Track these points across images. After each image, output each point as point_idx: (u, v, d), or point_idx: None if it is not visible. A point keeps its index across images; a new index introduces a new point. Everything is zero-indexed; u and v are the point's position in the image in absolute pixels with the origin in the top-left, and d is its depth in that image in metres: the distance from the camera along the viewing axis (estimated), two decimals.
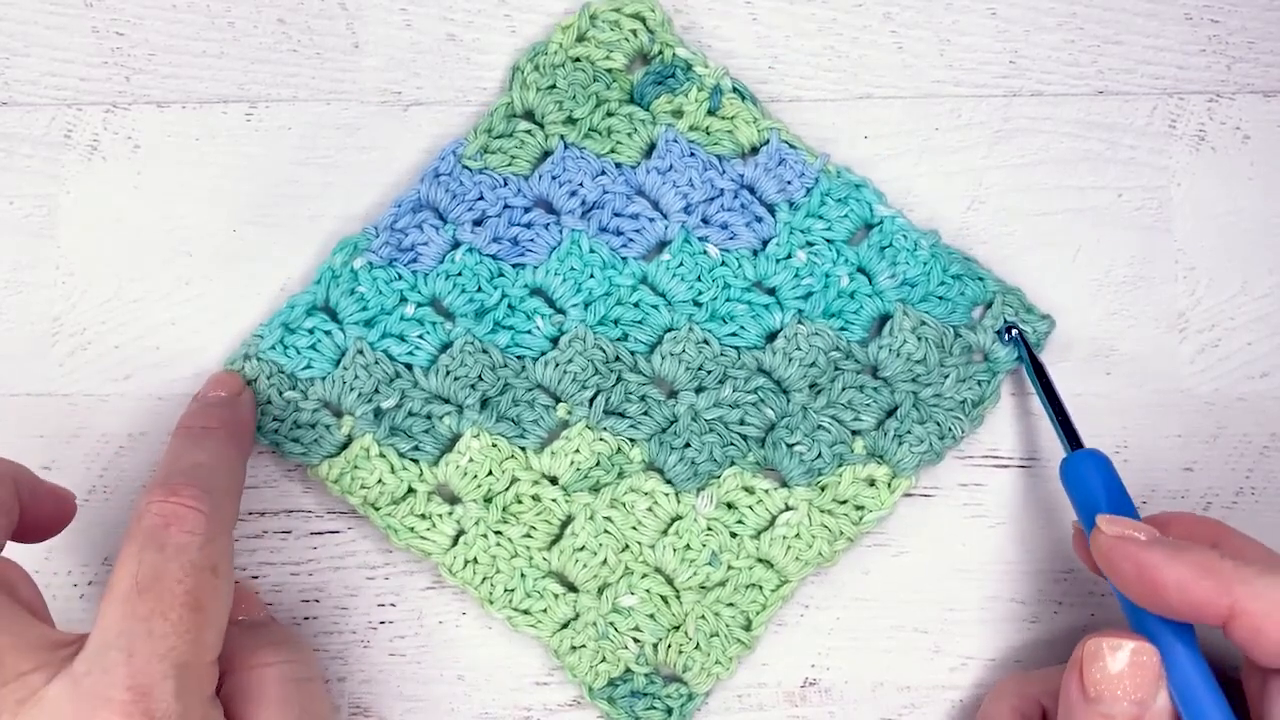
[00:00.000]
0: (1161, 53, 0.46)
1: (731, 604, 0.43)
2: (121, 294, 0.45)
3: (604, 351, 0.44)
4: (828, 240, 0.44)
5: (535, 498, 0.43)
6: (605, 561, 0.43)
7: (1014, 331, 0.44)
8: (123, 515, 0.44)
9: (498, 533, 0.43)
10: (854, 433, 0.44)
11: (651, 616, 0.43)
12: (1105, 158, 0.46)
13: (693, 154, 0.44)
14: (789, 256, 0.44)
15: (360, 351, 0.43)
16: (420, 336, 0.44)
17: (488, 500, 0.43)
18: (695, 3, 0.46)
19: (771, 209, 0.44)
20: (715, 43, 0.46)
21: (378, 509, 0.43)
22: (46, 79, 0.46)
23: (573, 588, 0.43)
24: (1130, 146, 0.46)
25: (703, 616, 0.43)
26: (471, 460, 0.43)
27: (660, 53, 0.45)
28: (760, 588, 0.43)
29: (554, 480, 0.44)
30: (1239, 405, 0.45)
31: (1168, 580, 0.34)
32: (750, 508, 0.43)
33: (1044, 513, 0.44)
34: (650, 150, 0.45)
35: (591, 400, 0.43)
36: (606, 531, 0.43)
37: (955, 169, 0.46)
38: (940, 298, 0.44)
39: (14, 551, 0.44)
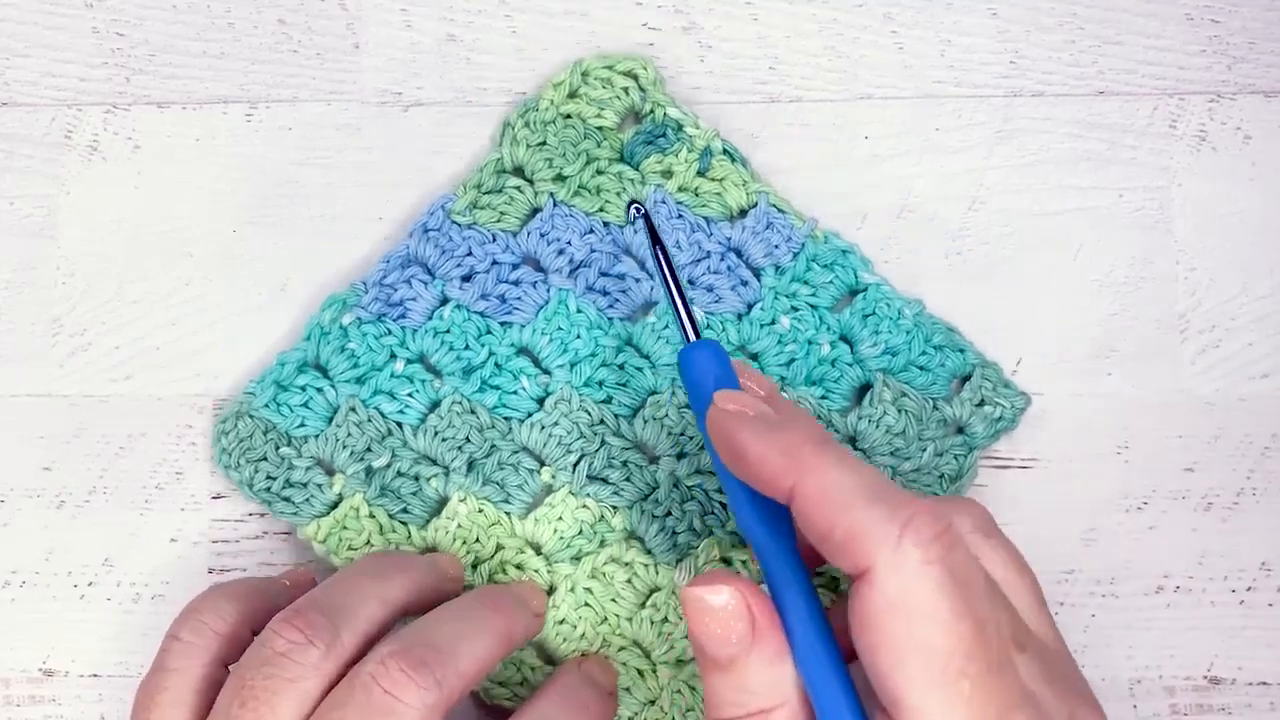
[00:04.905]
0: (1162, 53, 0.46)
1: None
2: (121, 294, 0.45)
3: (589, 414, 0.43)
4: (812, 306, 0.44)
5: (519, 566, 0.43)
6: (584, 635, 0.42)
7: (640, 210, 0.42)
8: (123, 516, 0.44)
9: None
10: None
11: (628, 690, 0.42)
12: (1106, 158, 0.45)
13: (680, 215, 0.44)
14: (773, 322, 0.44)
15: (353, 409, 0.43)
16: (410, 394, 0.43)
17: (474, 567, 0.43)
18: (695, 3, 0.46)
19: (757, 273, 0.44)
20: (715, 43, 0.46)
21: None
22: (46, 79, 0.46)
23: (550, 659, 0.43)
24: (1131, 147, 0.46)
25: (679, 691, 0.42)
26: (460, 525, 0.43)
27: (651, 112, 0.45)
28: None
29: (538, 549, 0.43)
30: (1240, 406, 0.44)
31: (749, 452, 0.33)
32: None
33: (1045, 513, 0.44)
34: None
35: (575, 465, 0.43)
36: (586, 604, 0.43)
37: (956, 169, 0.46)
38: (921, 368, 0.44)
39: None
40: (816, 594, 0.34)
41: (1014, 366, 0.45)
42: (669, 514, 0.43)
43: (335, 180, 0.46)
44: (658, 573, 0.43)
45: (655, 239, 0.41)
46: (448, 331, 0.44)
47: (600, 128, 0.45)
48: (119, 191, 0.45)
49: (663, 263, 0.41)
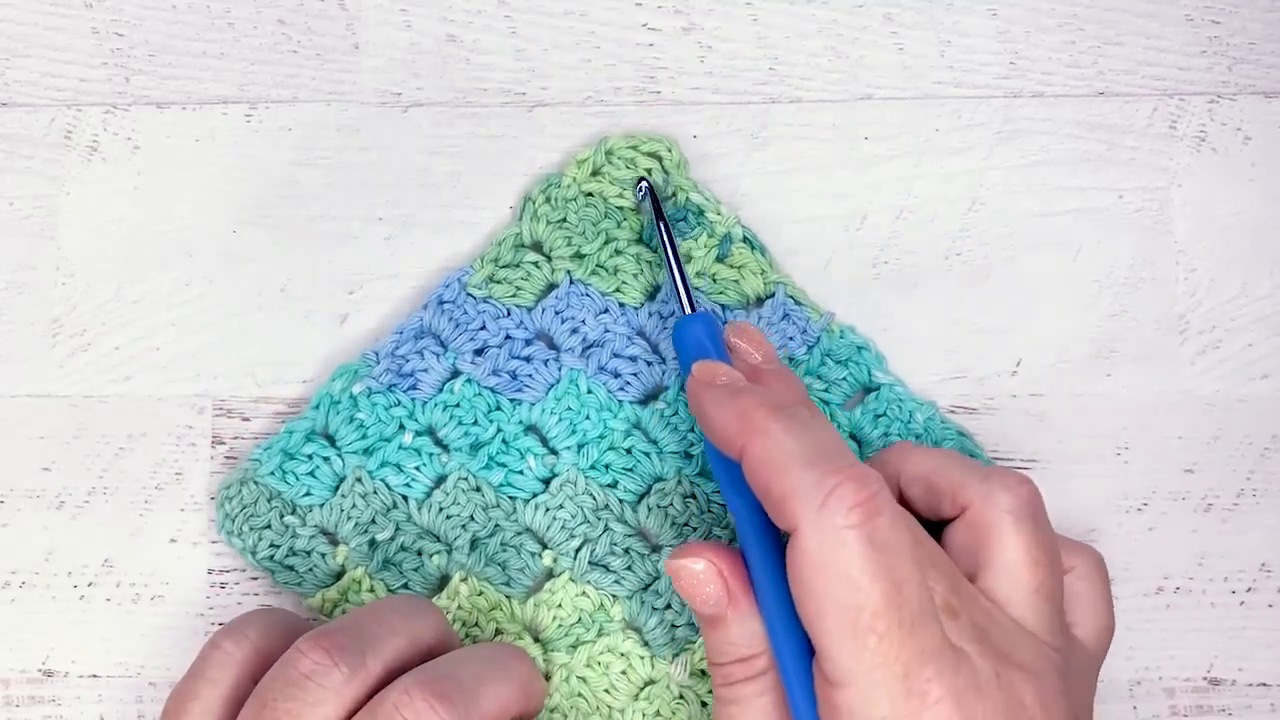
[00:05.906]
0: (1162, 54, 0.46)
1: None
2: (121, 295, 0.45)
3: (594, 499, 0.43)
4: (824, 401, 0.43)
5: None
6: None
7: (644, 184, 0.43)
8: (123, 516, 0.44)
9: None
10: None
11: None
12: (1106, 159, 0.45)
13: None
14: None
15: (359, 480, 0.43)
16: (417, 468, 0.43)
17: None
18: (695, 3, 0.46)
19: None
20: (715, 43, 0.46)
21: None
22: (46, 79, 0.46)
23: None
24: (1131, 148, 0.46)
25: None
26: (460, 607, 0.42)
27: (674, 195, 0.44)
28: None
29: (536, 636, 0.43)
30: (1240, 407, 0.45)
31: (709, 417, 0.37)
32: None
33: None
34: (654, 293, 0.44)
35: (577, 551, 0.43)
36: (580, 695, 0.42)
37: (956, 170, 0.46)
38: None
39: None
40: (781, 552, 0.35)
41: (1014, 367, 0.45)
42: (669, 606, 0.42)
43: (335, 180, 0.46)
44: (653, 666, 0.42)
45: (659, 214, 0.42)
46: (457, 405, 0.43)
47: (621, 208, 0.44)
48: (119, 191, 0.45)
49: (664, 237, 0.42)
